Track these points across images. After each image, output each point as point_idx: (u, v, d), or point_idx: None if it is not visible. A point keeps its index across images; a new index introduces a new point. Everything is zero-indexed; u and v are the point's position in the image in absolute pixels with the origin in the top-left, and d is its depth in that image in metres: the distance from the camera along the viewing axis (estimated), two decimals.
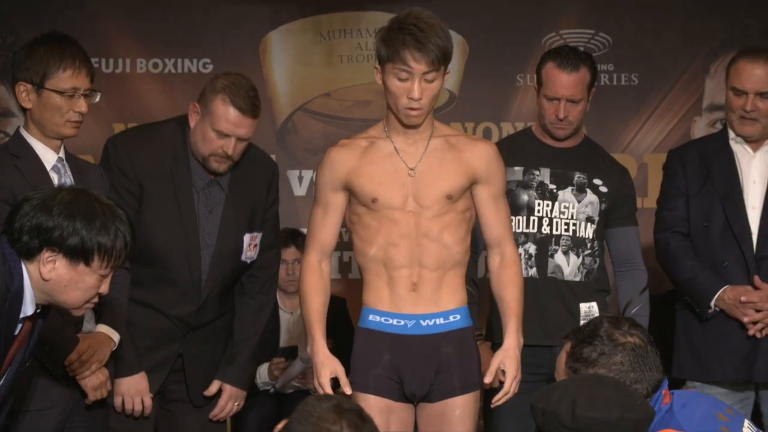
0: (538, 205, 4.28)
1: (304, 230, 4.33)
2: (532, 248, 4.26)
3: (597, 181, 4.31)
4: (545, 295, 4.23)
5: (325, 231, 3.68)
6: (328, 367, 3.56)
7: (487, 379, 3.64)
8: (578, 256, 4.27)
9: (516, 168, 4.28)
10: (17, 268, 2.94)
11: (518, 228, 4.24)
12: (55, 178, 3.61)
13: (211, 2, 5.98)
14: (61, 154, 3.65)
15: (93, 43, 4.97)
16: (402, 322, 3.60)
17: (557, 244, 4.27)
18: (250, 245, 4.07)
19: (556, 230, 4.27)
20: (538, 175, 4.29)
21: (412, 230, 3.59)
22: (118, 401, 3.93)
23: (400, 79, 3.52)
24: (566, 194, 4.29)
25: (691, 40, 5.94)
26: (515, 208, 4.20)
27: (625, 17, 5.97)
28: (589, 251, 4.29)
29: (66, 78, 3.58)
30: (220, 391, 4.11)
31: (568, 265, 4.27)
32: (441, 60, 3.51)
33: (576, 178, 4.30)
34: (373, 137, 3.66)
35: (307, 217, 3.77)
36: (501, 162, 3.70)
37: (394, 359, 3.60)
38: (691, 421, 2.90)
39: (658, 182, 4.45)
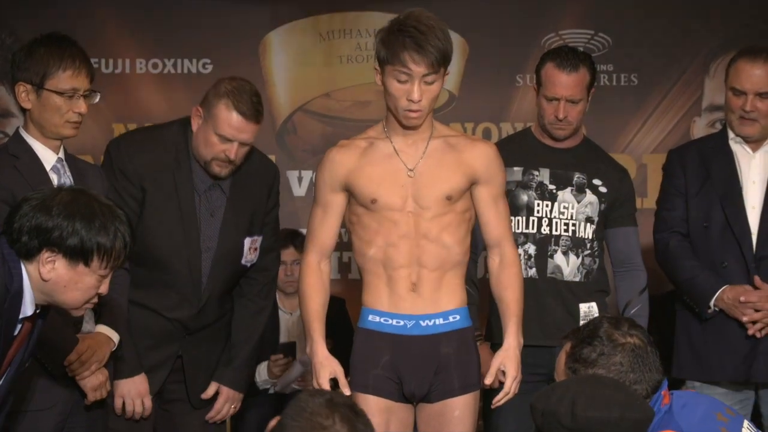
0: (538, 205, 4.28)
1: (304, 231, 4.33)
2: (531, 248, 4.26)
3: (596, 182, 4.31)
4: (545, 295, 4.23)
5: (324, 231, 3.68)
6: (327, 368, 3.56)
7: (488, 380, 3.64)
8: (578, 257, 4.27)
9: (515, 168, 4.28)
10: (17, 268, 2.94)
11: (518, 228, 4.24)
12: (54, 178, 3.61)
13: (210, 3, 5.98)
14: (61, 154, 3.65)
15: (92, 44, 4.97)
16: (401, 323, 3.60)
17: (557, 244, 4.27)
18: (250, 249, 4.07)
19: (556, 230, 4.27)
20: (537, 176, 4.29)
21: (412, 231, 3.59)
22: (118, 403, 3.92)
23: (399, 81, 3.52)
24: (566, 194, 4.29)
25: (691, 40, 5.94)
26: (515, 208, 4.20)
27: (624, 17, 5.97)
28: (589, 252, 4.29)
29: (66, 78, 3.58)
30: (217, 393, 4.11)
31: (567, 266, 4.27)
32: (441, 62, 3.51)
33: (575, 179, 4.30)
34: (372, 138, 3.66)
35: (307, 218, 3.77)
36: (501, 162, 3.70)
37: (394, 359, 3.60)
38: (690, 422, 2.90)
39: (658, 182, 4.45)
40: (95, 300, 3.06)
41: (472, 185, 3.65)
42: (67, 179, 3.62)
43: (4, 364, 3.03)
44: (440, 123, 3.73)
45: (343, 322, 5.27)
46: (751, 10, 5.92)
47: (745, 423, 3.01)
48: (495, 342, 4.16)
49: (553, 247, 4.26)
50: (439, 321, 3.61)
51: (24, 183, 3.51)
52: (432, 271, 3.60)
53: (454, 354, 3.61)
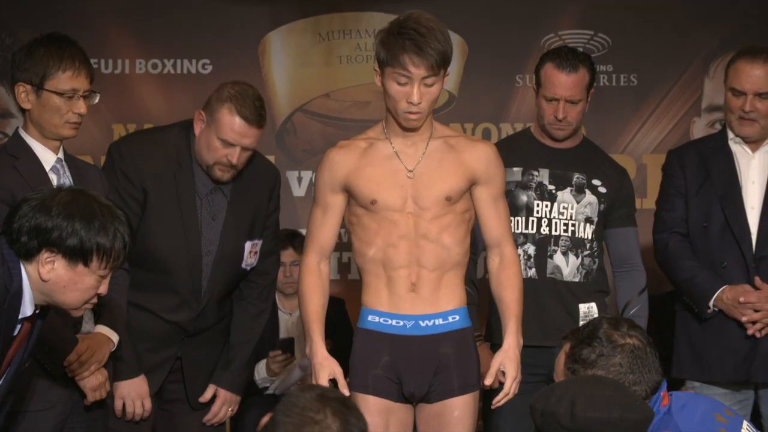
0: (537, 205, 4.28)
1: (303, 231, 4.33)
2: (531, 249, 4.26)
3: (596, 182, 4.31)
4: (544, 295, 4.23)
5: (324, 232, 3.68)
6: (326, 369, 3.56)
7: (488, 381, 3.64)
8: (577, 257, 4.27)
9: (515, 169, 4.28)
10: (16, 268, 2.94)
11: (517, 229, 4.24)
12: (54, 178, 3.61)
13: (210, 3, 5.98)
14: (60, 154, 3.65)
15: (92, 44, 4.97)
16: (401, 323, 3.60)
17: (556, 244, 4.27)
18: (250, 252, 4.07)
19: (555, 231, 4.27)
20: (537, 176, 4.29)
21: (411, 231, 3.59)
22: (118, 405, 3.92)
23: (399, 84, 3.52)
24: (565, 195, 4.29)
25: (691, 41, 5.94)
26: (514, 208, 4.20)
27: (624, 18, 5.97)
28: (588, 252, 4.29)
29: (65, 79, 3.58)
30: (215, 396, 4.11)
31: (567, 266, 4.27)
32: (440, 64, 3.51)
33: (575, 179, 4.30)
34: (372, 138, 3.66)
35: (306, 218, 3.77)
36: (500, 163, 3.70)
37: (393, 360, 3.60)
38: (689, 423, 2.90)
39: (657, 183, 4.45)
40: (95, 300, 3.06)
41: (471, 186, 3.65)
42: (67, 180, 3.62)
43: (3, 365, 3.03)
44: (440, 123, 3.73)
45: (343, 323, 5.27)
46: (751, 10, 5.92)
47: (744, 423, 3.01)
48: (495, 342, 4.16)
49: (553, 248, 4.26)
50: (439, 321, 3.61)
51: (23, 183, 3.51)
52: (431, 271, 3.60)
53: (454, 354, 3.61)
